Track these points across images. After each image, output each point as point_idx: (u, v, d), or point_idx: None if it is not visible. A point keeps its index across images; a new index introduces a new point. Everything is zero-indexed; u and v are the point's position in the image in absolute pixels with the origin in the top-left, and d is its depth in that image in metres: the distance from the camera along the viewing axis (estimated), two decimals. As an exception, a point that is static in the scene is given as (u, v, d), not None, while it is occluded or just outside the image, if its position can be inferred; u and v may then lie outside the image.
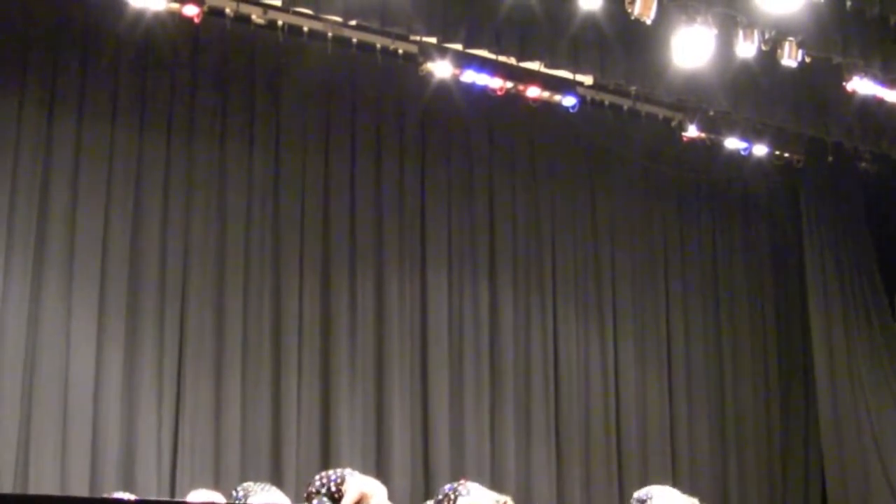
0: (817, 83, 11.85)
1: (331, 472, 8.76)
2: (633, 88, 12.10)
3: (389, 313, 11.71)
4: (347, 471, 8.64)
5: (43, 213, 10.19)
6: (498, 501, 8.76)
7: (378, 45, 11.33)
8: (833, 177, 14.09)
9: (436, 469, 11.62)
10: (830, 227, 14.22)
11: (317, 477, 8.75)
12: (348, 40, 11.27)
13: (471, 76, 11.46)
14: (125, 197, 10.58)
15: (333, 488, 8.45)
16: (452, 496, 8.82)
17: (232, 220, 11.05)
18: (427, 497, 11.16)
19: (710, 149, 13.33)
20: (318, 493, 8.49)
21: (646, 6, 9.75)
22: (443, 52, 11.17)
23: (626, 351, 13.22)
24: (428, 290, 12.03)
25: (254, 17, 10.86)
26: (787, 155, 13.71)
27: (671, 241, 13.87)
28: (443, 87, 11.62)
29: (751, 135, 13.10)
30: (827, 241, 14.14)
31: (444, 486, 9.35)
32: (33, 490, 9.62)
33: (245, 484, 8.85)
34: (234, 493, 8.77)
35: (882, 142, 12.88)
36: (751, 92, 11.69)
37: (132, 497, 8.53)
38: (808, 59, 10.78)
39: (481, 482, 9.69)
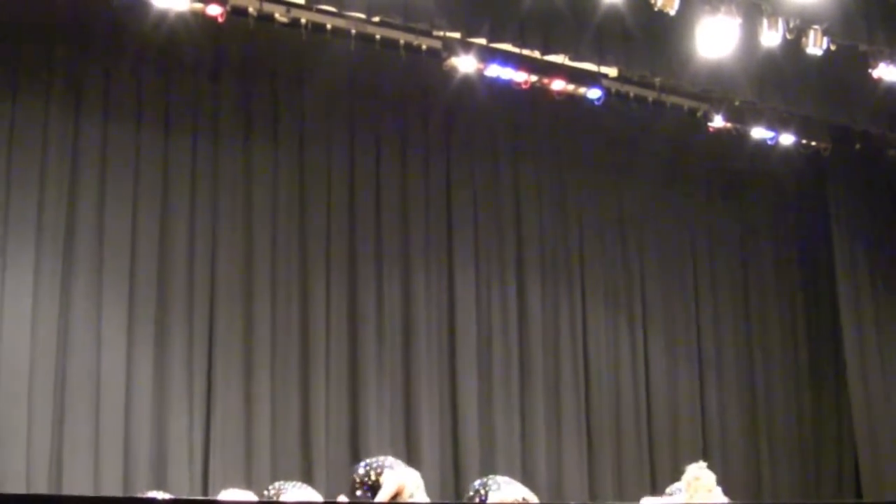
0: (843, 71, 11.74)
1: (373, 460, 8.77)
2: (657, 80, 12.05)
3: (417, 309, 11.72)
4: (388, 461, 8.65)
5: (71, 215, 10.25)
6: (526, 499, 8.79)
7: (401, 42, 11.29)
8: (860, 165, 14.03)
9: (465, 465, 11.61)
10: (859, 215, 14.18)
11: (361, 464, 8.77)
12: (371, 37, 11.23)
13: (495, 70, 11.38)
14: (152, 196, 10.64)
15: (374, 477, 8.49)
16: (483, 491, 8.85)
17: (258, 219, 11.09)
18: (457, 492, 11.17)
19: (736, 139, 13.24)
20: (361, 483, 8.52)
21: (669, -3, 9.74)
22: (466, 46, 11.12)
23: (655, 342, 13.20)
24: (455, 286, 12.03)
25: (277, 15, 10.84)
26: (813, 144, 13.58)
27: (698, 231, 13.85)
28: (467, 82, 11.57)
29: (777, 124, 13.01)
30: (855, 229, 14.11)
31: (474, 482, 9.38)
32: (67, 490, 9.67)
33: (277, 483, 8.91)
34: (265, 492, 8.82)
35: (909, 129, 12.80)
36: (776, 81, 11.61)
37: (166, 496, 8.57)
38: (833, 47, 10.70)
39: (512, 476, 9.70)
